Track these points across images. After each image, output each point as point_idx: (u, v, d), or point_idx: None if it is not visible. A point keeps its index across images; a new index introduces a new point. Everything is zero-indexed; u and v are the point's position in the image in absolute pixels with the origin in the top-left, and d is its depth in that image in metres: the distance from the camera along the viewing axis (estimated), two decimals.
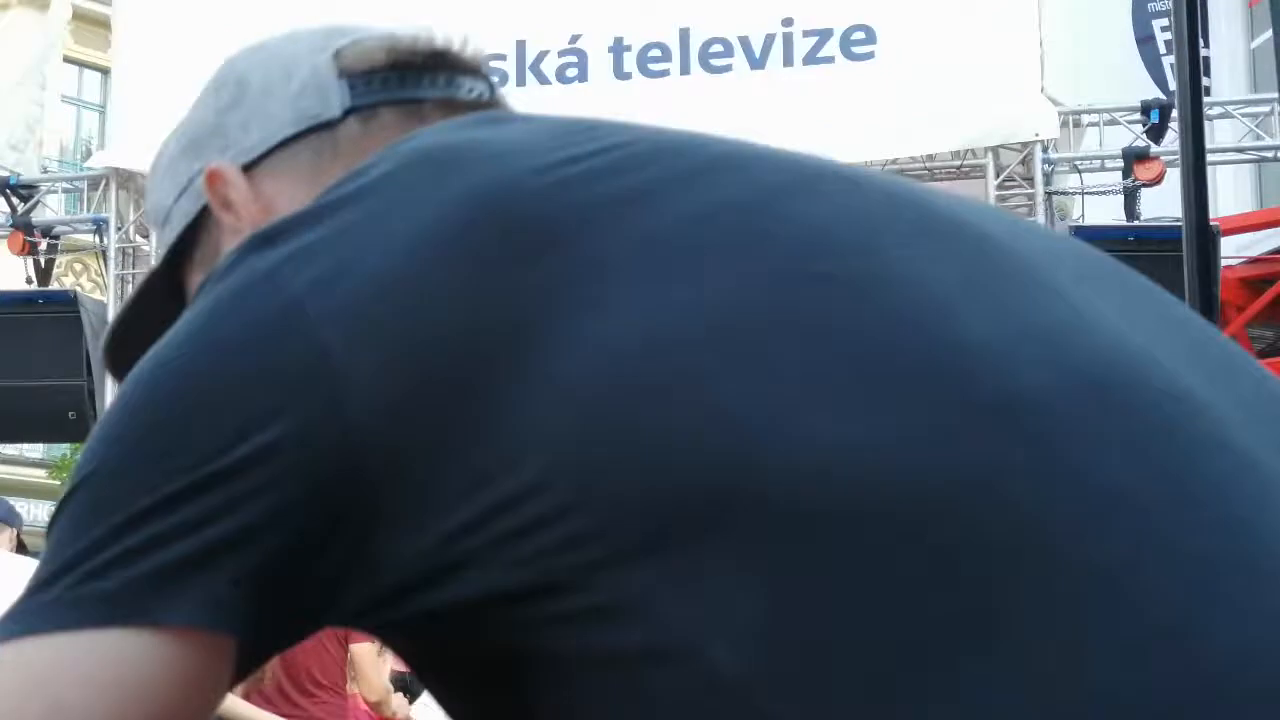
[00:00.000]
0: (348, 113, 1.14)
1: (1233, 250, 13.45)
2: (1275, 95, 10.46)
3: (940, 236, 0.92)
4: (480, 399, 0.83)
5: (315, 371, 0.85)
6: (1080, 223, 10.37)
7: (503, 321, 0.84)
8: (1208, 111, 10.76)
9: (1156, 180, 9.97)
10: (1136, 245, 9.27)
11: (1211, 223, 10.40)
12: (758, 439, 0.78)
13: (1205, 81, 15.45)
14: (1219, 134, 11.01)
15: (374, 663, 6.97)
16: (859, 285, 0.85)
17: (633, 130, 1.01)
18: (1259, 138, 10.52)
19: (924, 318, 0.84)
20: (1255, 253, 13.42)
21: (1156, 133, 10.18)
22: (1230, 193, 14.52)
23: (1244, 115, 10.60)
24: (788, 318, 0.83)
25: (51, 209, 12.34)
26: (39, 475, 29.02)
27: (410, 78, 1.15)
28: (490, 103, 1.18)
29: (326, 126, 1.14)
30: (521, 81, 10.74)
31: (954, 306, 0.85)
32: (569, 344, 0.83)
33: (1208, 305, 2.72)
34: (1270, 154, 10.64)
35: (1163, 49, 15.71)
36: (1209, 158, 10.49)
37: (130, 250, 11.18)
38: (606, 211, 0.89)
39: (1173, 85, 15.65)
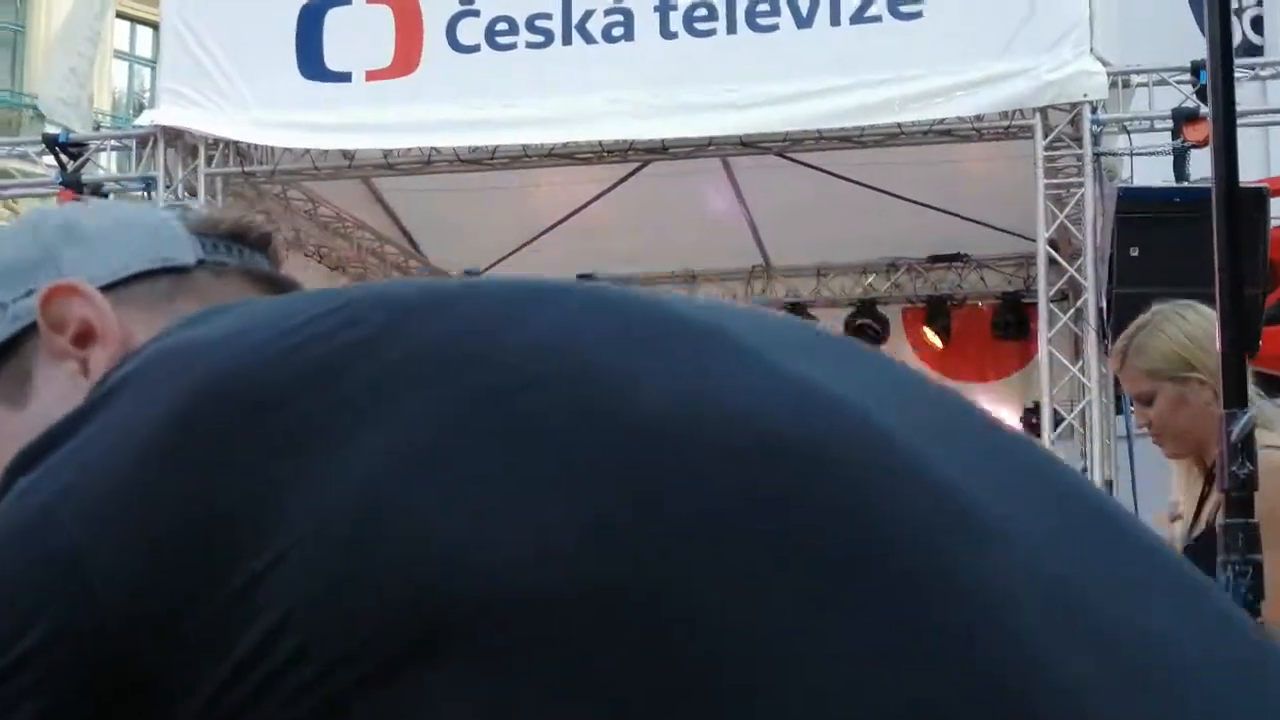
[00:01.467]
0: (200, 263, 1.27)
1: None
2: None
3: (648, 327, 0.98)
4: (218, 567, 0.90)
5: (68, 570, 0.92)
6: (1129, 183, 10.31)
7: (231, 497, 0.91)
8: (1260, 71, 10.71)
9: (1205, 141, 9.83)
10: (1183, 207, 9.21)
11: (1260, 184, 10.37)
12: (458, 566, 0.84)
13: (1258, 39, 15.39)
14: (1272, 94, 10.93)
15: None
16: (563, 385, 0.91)
17: (354, 292, 1.08)
18: None
19: (609, 406, 0.90)
20: None
21: (1205, 93, 10.07)
22: None
23: None
24: (493, 431, 0.89)
25: (102, 167, 12.41)
26: None
27: (240, 247, 1.31)
28: (272, 277, 1.33)
29: (181, 270, 1.26)
30: (568, 40, 10.75)
31: (635, 385, 0.92)
32: (296, 501, 0.90)
33: (1237, 274, 2.69)
34: None
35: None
36: (1259, 118, 10.42)
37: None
38: (323, 371, 0.96)
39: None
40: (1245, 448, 2.60)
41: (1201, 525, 3.46)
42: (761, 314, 1.06)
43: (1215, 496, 3.49)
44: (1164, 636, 0.81)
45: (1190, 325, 3.83)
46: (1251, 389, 3.56)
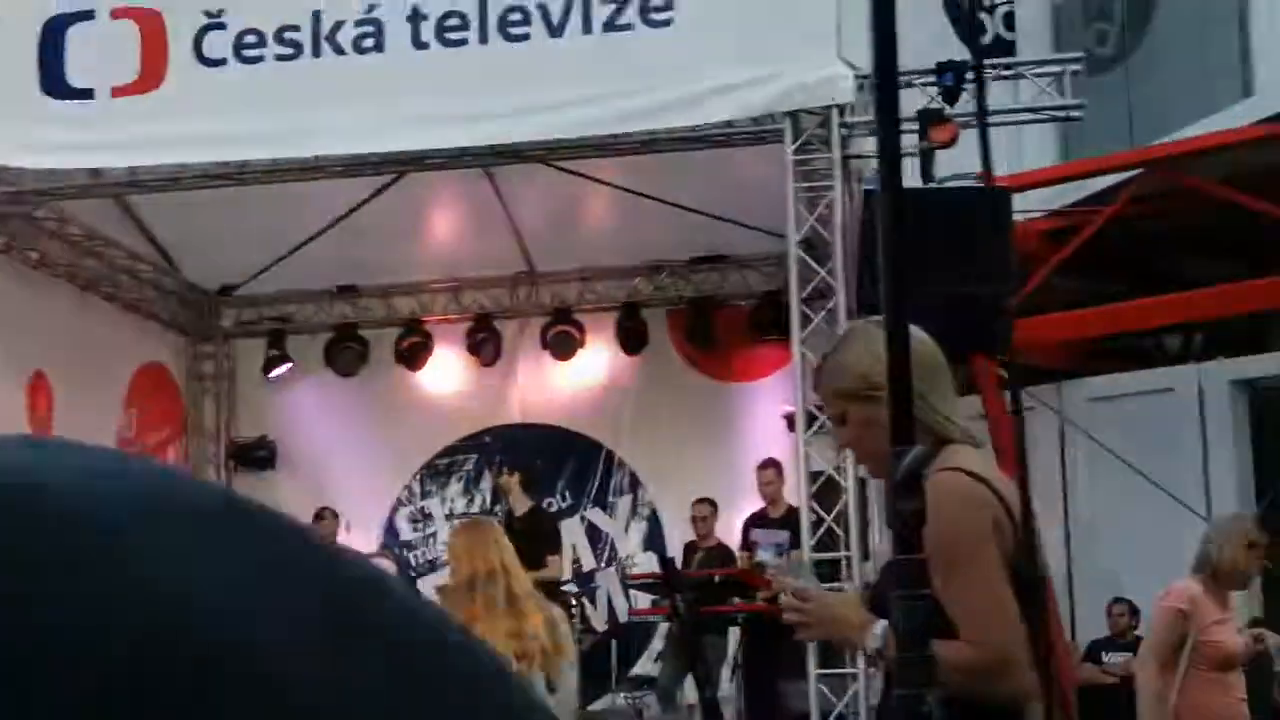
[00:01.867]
0: None
1: (1037, 204, 13.69)
2: (1051, 57, 10.66)
3: None
4: None
5: None
6: (876, 186, 10.46)
7: None
8: (1003, 71, 10.94)
9: (950, 142, 10.09)
10: (929, 206, 9.38)
11: (1000, 183, 10.58)
12: None
13: (1010, 35, 15.73)
14: (1024, 92, 11.17)
15: None
16: None
17: None
18: (1052, 97, 10.68)
19: None
20: (1058, 204, 13.66)
21: (951, 95, 10.28)
22: (1036, 147, 14.75)
23: (1035, 76, 10.75)
24: None
25: None
26: None
27: None
28: None
29: None
30: (318, 52, 10.61)
31: None
32: None
33: (899, 273, 2.70)
34: (1036, 116, 10.87)
35: (966, 3, 15.88)
36: (1000, 117, 10.63)
37: None
38: None
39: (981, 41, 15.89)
40: (910, 484, 2.63)
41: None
42: None
43: None
44: None
45: (879, 344, 3.78)
46: (949, 418, 3.59)
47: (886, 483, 2.93)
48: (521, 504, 14.00)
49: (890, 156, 2.82)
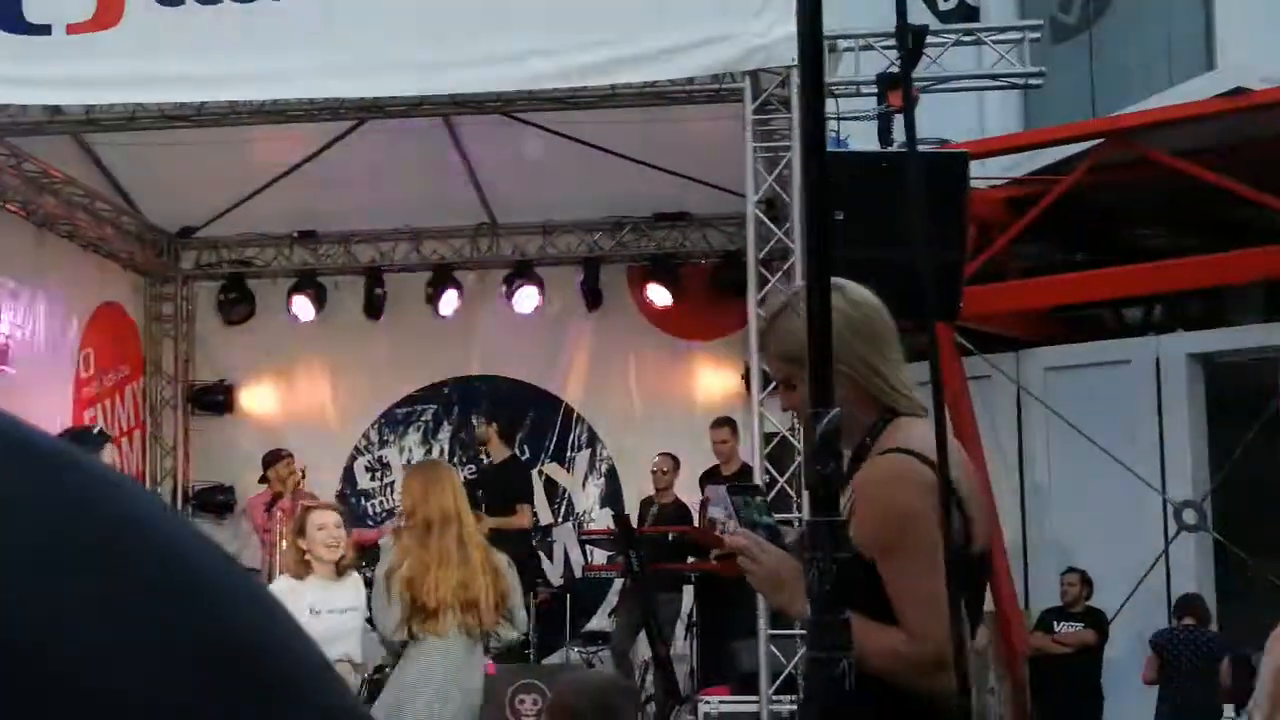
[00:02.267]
0: None
1: (998, 171, 13.68)
2: (1012, 24, 10.66)
3: None
4: None
5: None
6: (839, 147, 10.45)
7: None
8: (963, 37, 10.91)
9: (911, 105, 10.06)
10: (888, 171, 9.35)
11: (960, 149, 10.57)
12: None
13: (974, 3, 15.69)
14: (986, 58, 11.14)
15: None
16: None
17: None
18: (1012, 65, 10.65)
19: None
20: (1019, 173, 13.65)
21: (910, 59, 10.24)
22: (998, 114, 14.74)
23: (996, 42, 10.72)
24: None
25: None
26: None
27: None
28: None
29: None
30: None
31: None
32: None
33: (822, 244, 2.68)
34: (1002, 82, 10.85)
35: None
36: (960, 83, 10.62)
37: None
38: None
39: (942, 6, 15.87)
40: (829, 446, 2.61)
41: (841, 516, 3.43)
42: None
43: (849, 491, 3.49)
44: None
45: (833, 310, 3.68)
46: (908, 385, 3.54)
47: (804, 457, 2.90)
48: (500, 453, 14.04)
49: (814, 120, 2.79)
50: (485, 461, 14.26)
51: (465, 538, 7.85)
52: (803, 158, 2.71)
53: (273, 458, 13.75)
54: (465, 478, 14.55)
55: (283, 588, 7.81)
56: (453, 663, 7.78)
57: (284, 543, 7.93)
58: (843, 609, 2.62)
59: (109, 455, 7.92)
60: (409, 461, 15.16)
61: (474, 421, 14.89)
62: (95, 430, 7.58)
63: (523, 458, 15.03)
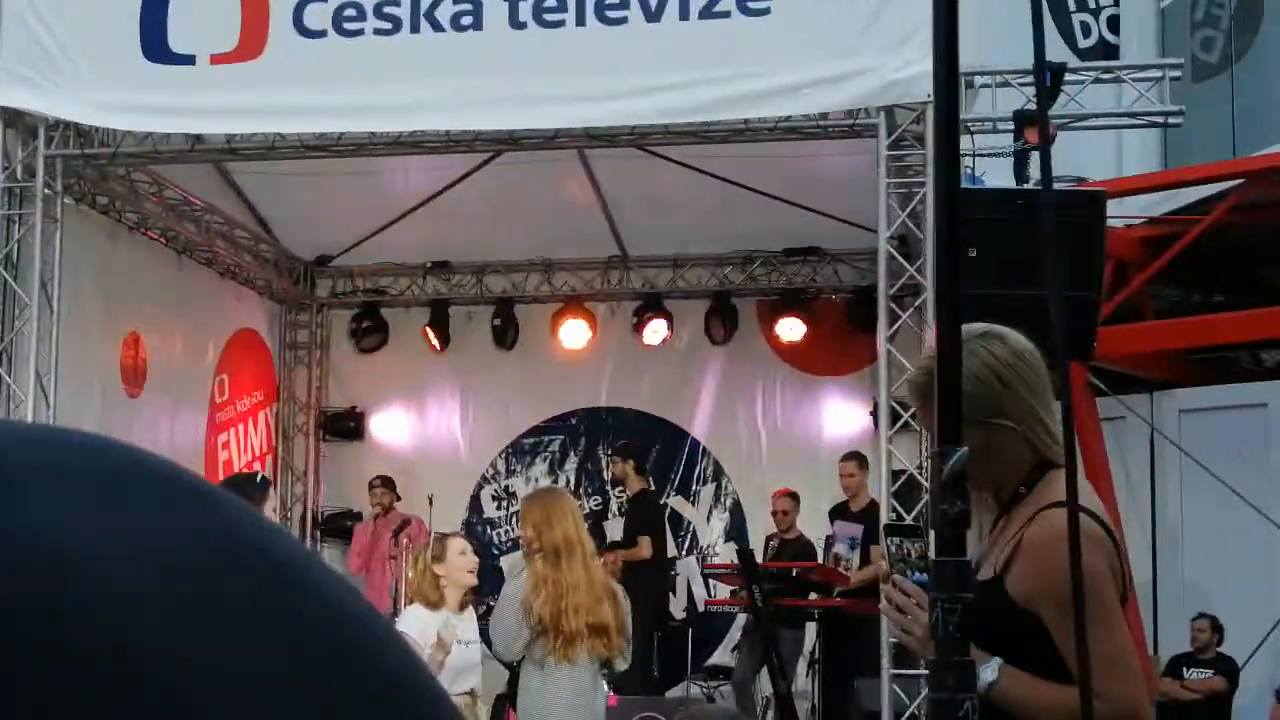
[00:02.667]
0: None
1: (1136, 210, 13.54)
2: (1153, 61, 10.50)
3: None
4: None
5: None
6: (972, 183, 10.39)
7: None
8: (1102, 75, 10.80)
9: (1049, 142, 9.96)
10: (1024, 208, 9.28)
11: (1097, 187, 10.46)
12: None
13: (1114, 39, 15.54)
14: (1126, 96, 11.02)
15: None
16: None
17: None
18: (1151, 103, 10.53)
19: None
20: (1157, 212, 13.50)
21: (1048, 96, 10.15)
22: (1137, 153, 14.59)
23: (1135, 80, 10.60)
24: None
25: None
26: None
27: None
28: None
29: None
30: (416, 28, 10.63)
31: None
32: None
33: (953, 283, 2.66)
34: (1144, 121, 10.70)
35: (1072, 5, 15.71)
36: (1099, 121, 10.51)
37: (17, 190, 11.03)
38: None
39: (1081, 44, 15.74)
40: (956, 486, 2.59)
41: (990, 570, 3.40)
42: None
43: (1004, 541, 3.43)
44: None
45: (998, 362, 3.45)
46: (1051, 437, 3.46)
47: (930, 497, 2.83)
48: (634, 487, 14.10)
49: (948, 157, 2.78)
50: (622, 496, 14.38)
51: (589, 564, 7.89)
52: (936, 193, 2.68)
53: (369, 487, 14.23)
54: (590, 509, 14.66)
55: (421, 618, 7.83)
56: (582, 688, 7.80)
57: (409, 570, 7.95)
58: (965, 649, 2.60)
59: (271, 502, 8.00)
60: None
61: (605, 459, 14.96)
62: (258, 477, 7.69)
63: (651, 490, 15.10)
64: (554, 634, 7.64)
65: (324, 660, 0.74)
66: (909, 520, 9.84)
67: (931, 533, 2.66)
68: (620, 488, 14.53)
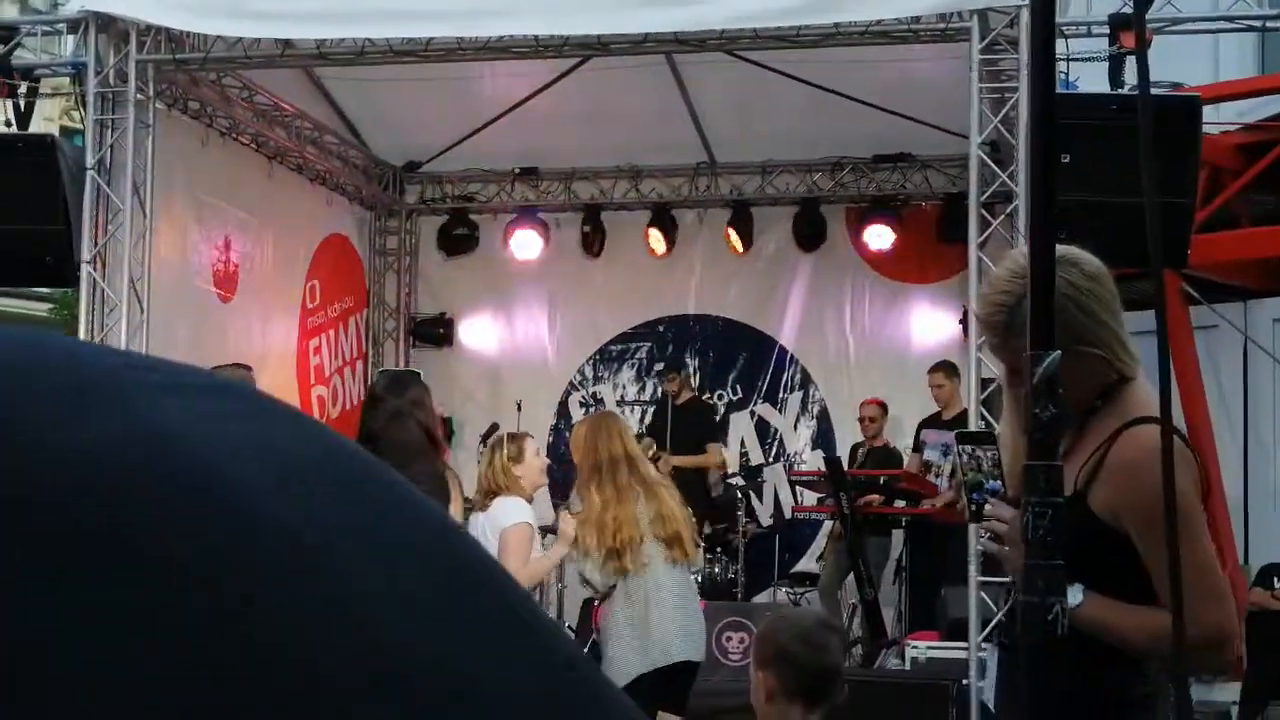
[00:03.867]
0: None
1: (1232, 116, 13.33)
2: None
3: None
4: None
5: None
6: (1067, 88, 10.26)
7: None
8: None
9: (1145, 46, 9.81)
10: (1118, 114, 9.17)
11: (1192, 92, 10.30)
12: None
13: None
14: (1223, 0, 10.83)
15: None
16: None
17: None
18: (1249, 7, 10.33)
19: None
20: (1253, 119, 13.29)
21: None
22: (1234, 59, 14.35)
23: None
24: None
25: (31, 52, 12.23)
26: (42, 309, 29.25)
27: None
28: None
29: None
30: None
31: None
32: None
33: (1047, 199, 2.64)
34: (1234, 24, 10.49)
35: None
36: (1193, 25, 10.33)
37: (110, 95, 11.10)
38: None
39: None
40: (1049, 390, 2.57)
41: (1070, 486, 3.22)
42: None
43: (1081, 457, 3.38)
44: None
45: (1075, 290, 3.39)
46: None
47: (1025, 399, 2.80)
48: (685, 395, 14.17)
49: (1044, 62, 2.74)
50: (670, 403, 14.27)
51: (644, 475, 7.94)
52: (1032, 100, 2.65)
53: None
54: None
55: (524, 507, 7.85)
56: (668, 593, 7.88)
57: (489, 468, 7.98)
58: (1057, 555, 2.59)
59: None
60: (622, 399, 15.30)
61: (660, 378, 14.92)
62: (418, 374, 7.81)
63: (733, 398, 15.14)
64: (609, 551, 7.73)
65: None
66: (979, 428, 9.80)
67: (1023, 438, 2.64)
68: (673, 397, 14.37)
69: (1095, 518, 3.29)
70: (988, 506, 3.45)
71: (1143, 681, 3.35)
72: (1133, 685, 3.35)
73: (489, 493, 7.91)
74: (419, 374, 7.88)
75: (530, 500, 8.05)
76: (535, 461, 8.08)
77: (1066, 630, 2.59)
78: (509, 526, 7.64)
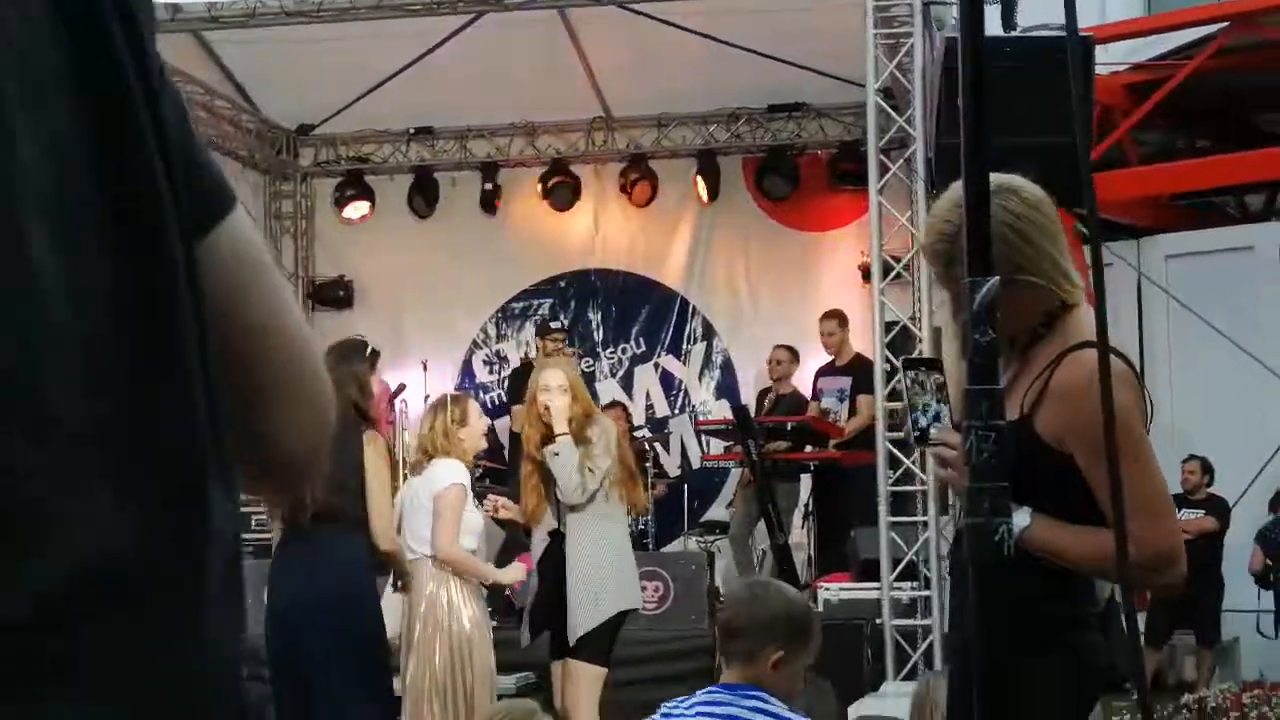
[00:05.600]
0: None
1: (1120, 56, 13.48)
2: None
3: None
4: None
5: None
6: (957, 34, 10.34)
7: None
8: None
9: None
10: (1009, 56, 9.25)
11: (1084, 32, 10.43)
12: None
13: None
14: None
15: None
16: None
17: None
18: None
19: None
20: (1141, 58, 13.45)
21: None
22: (1121, 1, 14.50)
23: None
24: None
25: None
26: None
27: None
28: None
29: None
30: None
31: None
32: None
33: (980, 130, 2.70)
34: None
35: None
36: None
37: None
38: None
39: None
40: (988, 314, 2.63)
41: (1015, 410, 3.33)
42: None
43: (1026, 382, 3.43)
44: None
45: (1016, 219, 3.40)
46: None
47: (962, 326, 2.84)
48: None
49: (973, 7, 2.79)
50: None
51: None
52: (962, 41, 2.71)
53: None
54: (583, 371, 14.69)
55: (464, 472, 7.83)
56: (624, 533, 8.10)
57: (425, 428, 7.95)
58: (1002, 478, 2.65)
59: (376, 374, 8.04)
60: (525, 355, 15.27)
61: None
62: (368, 347, 7.73)
63: (637, 350, 15.21)
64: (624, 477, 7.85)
65: None
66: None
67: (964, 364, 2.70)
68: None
69: (1041, 441, 3.33)
70: (933, 432, 3.50)
71: (1093, 602, 3.42)
72: (1083, 604, 3.41)
73: (427, 455, 7.90)
74: (361, 345, 7.81)
75: (469, 464, 8.06)
76: (479, 425, 8.08)
77: (1013, 552, 2.65)
78: (441, 489, 7.64)
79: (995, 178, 3.42)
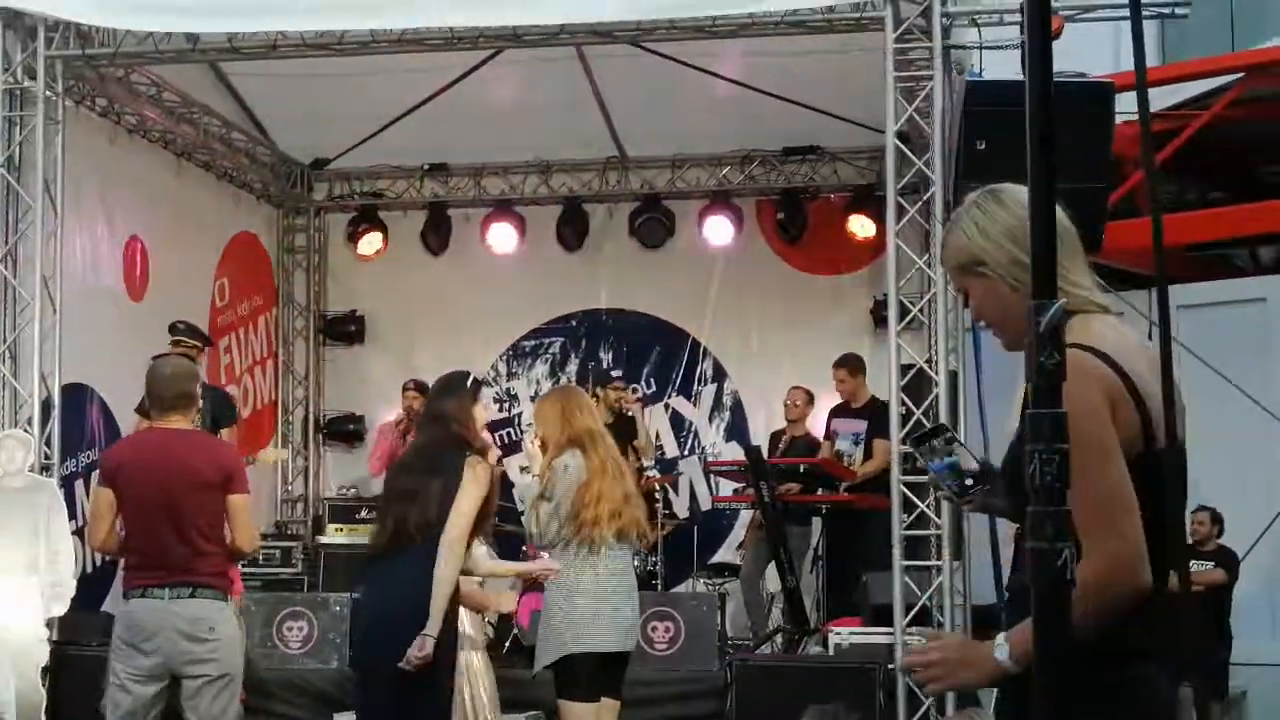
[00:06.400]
0: None
1: (1133, 105, 13.49)
2: None
3: None
4: None
5: None
6: (978, 77, 10.35)
7: None
8: None
9: (1054, 35, 9.93)
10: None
11: (1105, 79, 10.44)
12: None
13: None
14: None
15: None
16: None
17: None
18: None
19: None
20: (1156, 109, 13.48)
21: None
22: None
23: None
24: None
25: None
26: None
27: None
28: None
29: None
30: None
31: None
32: None
33: (1047, 168, 2.69)
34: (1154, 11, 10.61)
35: None
36: (1102, 12, 10.46)
37: (18, 92, 10.94)
38: None
39: None
40: (1053, 338, 2.61)
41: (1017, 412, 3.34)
42: None
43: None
44: None
45: (983, 216, 3.53)
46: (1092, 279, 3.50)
47: (1026, 348, 2.79)
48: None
49: (1041, 44, 2.77)
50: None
51: (614, 454, 8.00)
52: (1030, 82, 2.70)
53: (402, 390, 13.95)
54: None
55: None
56: (622, 569, 7.98)
57: None
58: (1063, 499, 2.62)
59: (482, 402, 8.08)
60: (536, 394, 15.24)
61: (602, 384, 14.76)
62: (470, 379, 7.78)
63: (647, 391, 15.17)
64: (580, 521, 7.77)
65: None
66: (925, 422, 9.87)
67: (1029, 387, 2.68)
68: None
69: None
70: (968, 482, 3.51)
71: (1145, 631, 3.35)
72: (1135, 636, 3.34)
73: None
74: (463, 377, 7.84)
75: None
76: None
77: (1075, 578, 2.62)
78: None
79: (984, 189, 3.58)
